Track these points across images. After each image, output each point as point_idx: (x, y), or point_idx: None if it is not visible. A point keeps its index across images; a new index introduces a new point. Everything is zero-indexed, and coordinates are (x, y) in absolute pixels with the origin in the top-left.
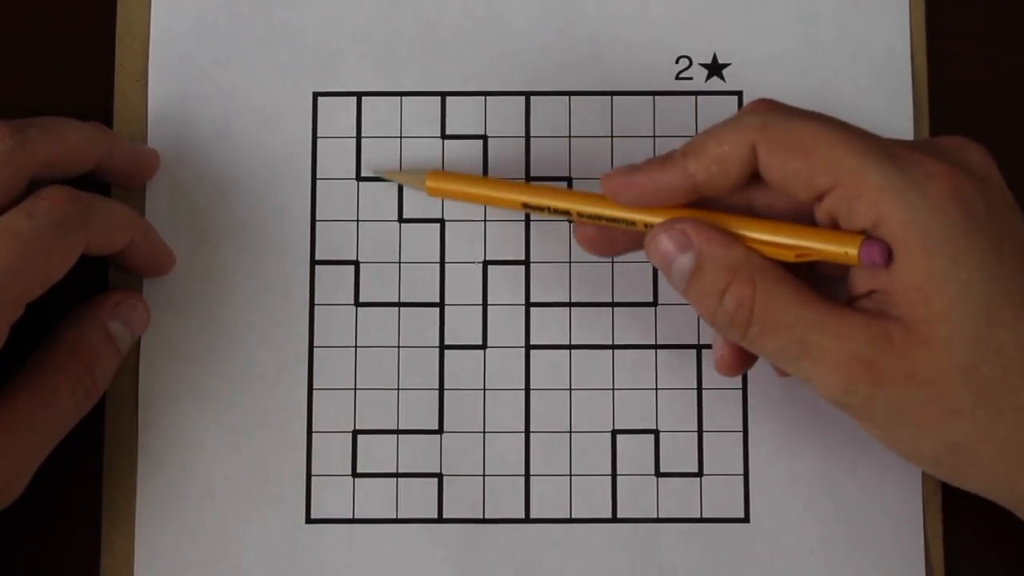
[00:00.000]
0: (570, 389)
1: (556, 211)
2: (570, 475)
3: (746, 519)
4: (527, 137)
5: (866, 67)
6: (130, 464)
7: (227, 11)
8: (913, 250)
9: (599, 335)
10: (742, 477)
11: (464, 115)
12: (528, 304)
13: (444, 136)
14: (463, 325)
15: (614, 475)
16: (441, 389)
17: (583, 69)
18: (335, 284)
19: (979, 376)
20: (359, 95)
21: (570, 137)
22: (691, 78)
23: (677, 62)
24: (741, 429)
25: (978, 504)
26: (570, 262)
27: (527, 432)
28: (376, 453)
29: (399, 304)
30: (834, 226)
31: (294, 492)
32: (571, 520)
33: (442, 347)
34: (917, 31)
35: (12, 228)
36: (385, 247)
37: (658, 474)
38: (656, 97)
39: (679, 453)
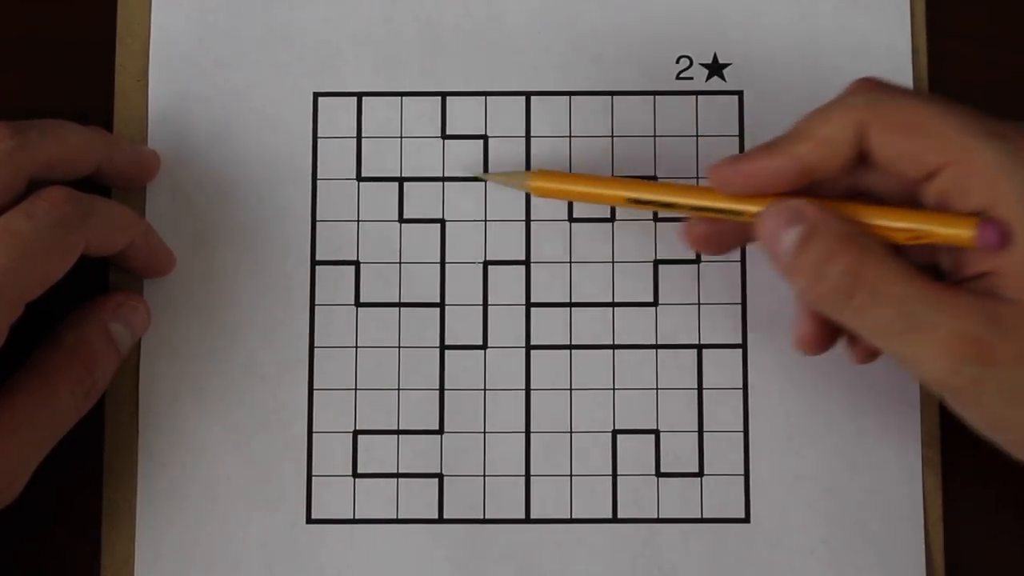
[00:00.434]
0: (570, 389)
1: (662, 205)
2: (570, 475)
3: (746, 519)
4: (527, 137)
5: (866, 67)
6: (130, 464)
7: (227, 11)
8: None
9: (599, 335)
10: (742, 477)
11: (464, 115)
12: (528, 304)
13: (444, 136)
14: (463, 325)
15: (614, 475)
16: (441, 389)
17: (583, 69)
18: (335, 284)
19: None
20: (359, 95)
21: (570, 137)
22: (691, 78)
23: (677, 62)
24: (741, 429)
25: (978, 504)
26: (570, 262)
27: (527, 432)
28: (377, 453)
29: (399, 304)
30: (943, 207)
31: (294, 492)
32: (571, 520)
33: (442, 347)
34: (918, 31)
35: (12, 228)
36: (385, 247)
37: (658, 474)
38: (656, 97)
39: (679, 453)
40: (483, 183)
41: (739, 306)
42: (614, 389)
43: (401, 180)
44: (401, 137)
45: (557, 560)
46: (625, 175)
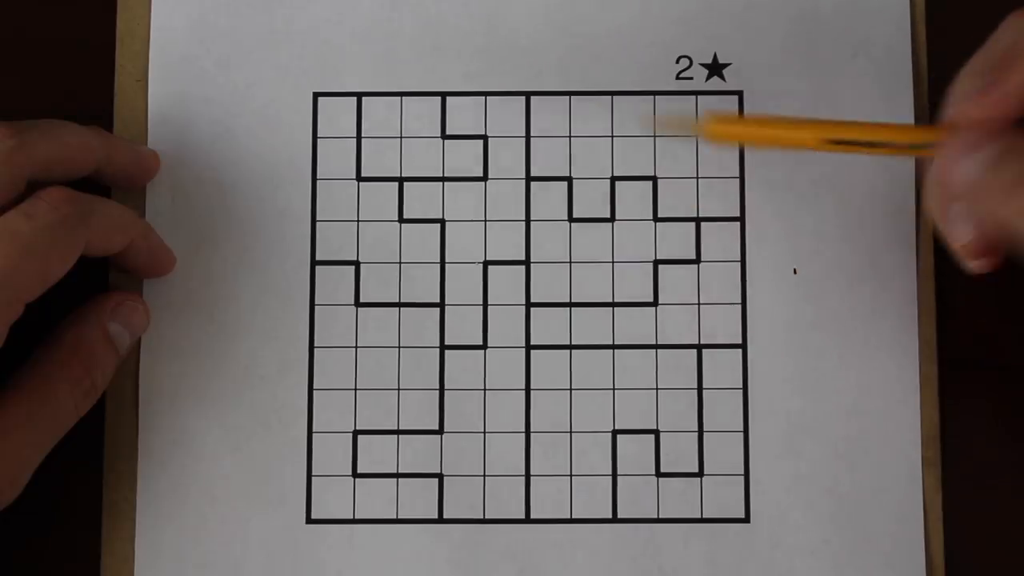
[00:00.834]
0: (570, 389)
1: (864, 144)
2: (570, 475)
3: (746, 519)
4: (527, 137)
5: (866, 67)
6: (130, 464)
7: (227, 11)
8: None
9: (599, 335)
10: (742, 477)
11: (464, 115)
12: (528, 304)
13: (444, 136)
14: (463, 325)
15: (614, 475)
16: (441, 389)
17: (583, 69)
18: (335, 284)
19: None
20: (359, 95)
21: (570, 137)
22: (691, 78)
23: (677, 62)
24: (741, 429)
25: (978, 504)
26: (570, 262)
27: (527, 432)
28: (376, 453)
29: (399, 304)
30: None
31: (294, 492)
32: (571, 520)
33: (442, 347)
34: (918, 31)
35: (11, 228)
36: (385, 247)
37: (658, 474)
38: (656, 97)
39: (679, 453)
40: (483, 183)
41: (739, 306)
42: (614, 389)
43: (401, 180)
44: (401, 137)
45: (557, 560)
46: (625, 175)
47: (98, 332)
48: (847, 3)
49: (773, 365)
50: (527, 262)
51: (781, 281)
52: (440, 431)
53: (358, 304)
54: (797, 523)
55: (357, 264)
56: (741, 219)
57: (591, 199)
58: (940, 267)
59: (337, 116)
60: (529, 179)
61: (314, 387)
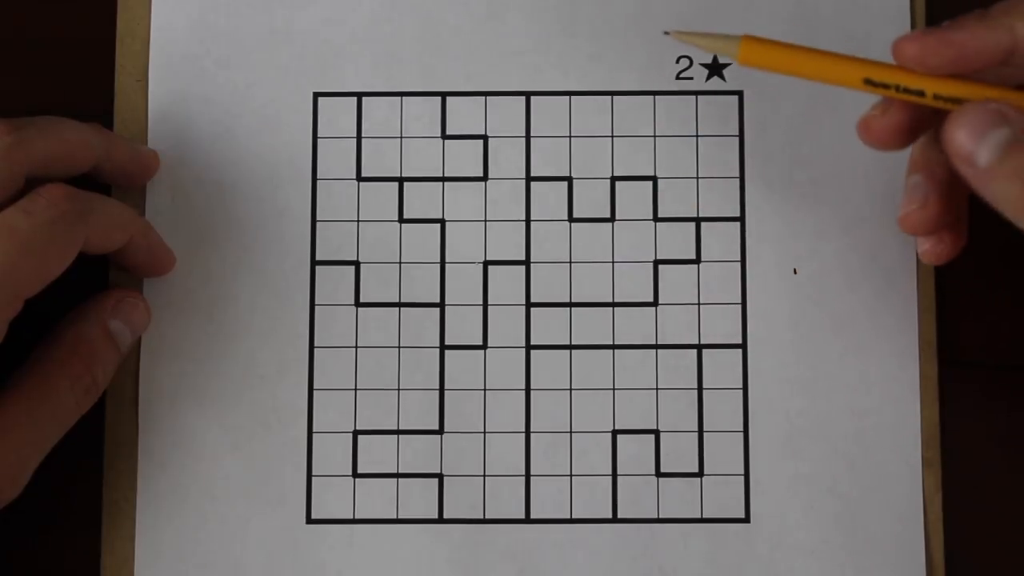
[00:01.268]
0: (570, 389)
1: (902, 91)
2: (570, 475)
3: (746, 519)
4: (527, 137)
5: None
6: (130, 464)
7: (227, 11)
8: None
9: (599, 335)
10: (742, 477)
11: (464, 115)
12: (528, 304)
13: (444, 136)
14: (463, 325)
15: (614, 475)
16: (441, 389)
17: (583, 69)
18: (335, 284)
19: None
20: (359, 95)
21: (570, 137)
22: (691, 78)
23: (677, 62)
24: (741, 429)
25: (978, 504)
26: (570, 262)
27: (527, 432)
28: (376, 453)
29: (399, 304)
30: None
31: (294, 492)
32: (571, 520)
33: (442, 347)
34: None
35: (10, 225)
36: (385, 247)
37: (658, 474)
38: (656, 97)
39: (679, 453)
40: (483, 183)
41: (739, 306)
42: (614, 389)
43: (401, 180)
44: (401, 137)
45: (557, 560)
46: (625, 175)
47: (98, 330)
48: (847, 3)
49: (773, 365)
50: (527, 262)
51: (781, 281)
52: (440, 431)
53: (358, 304)
54: (797, 523)
55: (357, 264)
56: (741, 219)
57: (591, 199)
58: (940, 267)
59: (337, 116)
60: (529, 179)
61: (314, 387)
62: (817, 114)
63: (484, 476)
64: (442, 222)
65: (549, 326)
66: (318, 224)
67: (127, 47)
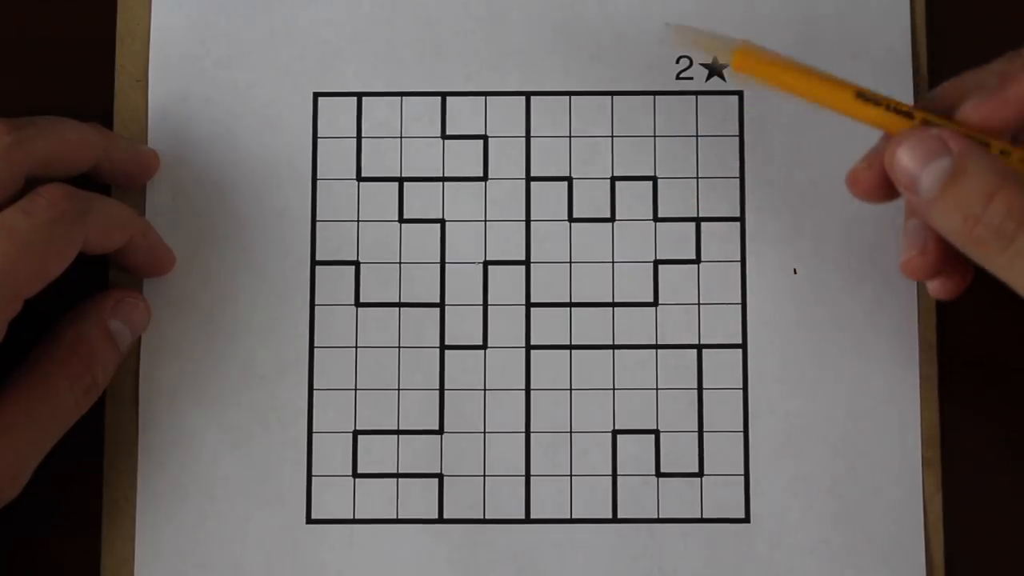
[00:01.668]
0: (570, 389)
1: (896, 110)
2: (570, 475)
3: (746, 519)
4: (527, 137)
5: (866, 67)
6: (130, 464)
7: (227, 11)
8: None
9: (599, 335)
10: (742, 477)
11: (464, 115)
12: (528, 304)
13: (444, 136)
14: (463, 325)
15: (614, 475)
16: (441, 389)
17: (583, 69)
18: (335, 284)
19: None
20: (359, 95)
21: (570, 137)
22: (691, 78)
23: (677, 62)
24: (741, 429)
25: (978, 504)
26: (570, 262)
27: (527, 432)
28: (376, 453)
29: (399, 304)
30: None
31: (294, 492)
32: (571, 520)
33: (442, 347)
34: (918, 31)
35: (9, 225)
36: (385, 247)
37: (658, 474)
38: (656, 97)
39: (679, 453)
40: (483, 183)
41: (739, 306)
42: (614, 389)
43: (401, 180)
44: (401, 137)
45: (557, 560)
46: (625, 175)
47: (98, 329)
48: (847, 4)
49: (773, 365)
50: (527, 262)
51: (781, 281)
52: (440, 431)
53: (358, 304)
54: (797, 523)
55: (357, 264)
56: (741, 219)
57: (591, 199)
58: None
59: (337, 116)
60: (529, 179)
61: (314, 387)
62: (817, 114)
63: (484, 476)
64: (442, 222)
65: (549, 326)
66: (318, 224)
67: (127, 47)
